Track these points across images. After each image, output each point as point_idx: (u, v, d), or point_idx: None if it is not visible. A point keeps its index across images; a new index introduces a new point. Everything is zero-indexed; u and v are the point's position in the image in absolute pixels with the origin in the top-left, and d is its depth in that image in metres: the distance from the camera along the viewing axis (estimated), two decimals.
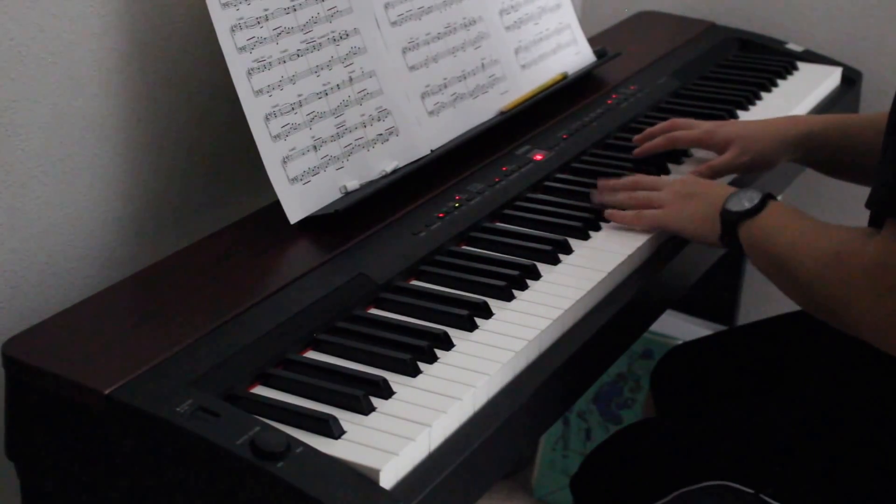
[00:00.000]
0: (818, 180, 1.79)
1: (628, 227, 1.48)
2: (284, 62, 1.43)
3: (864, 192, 2.13)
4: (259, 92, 1.40)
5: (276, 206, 1.40)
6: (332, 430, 1.09)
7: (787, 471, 1.32)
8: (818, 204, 2.27)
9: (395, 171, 1.52)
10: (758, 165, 1.62)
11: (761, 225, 1.35)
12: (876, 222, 1.25)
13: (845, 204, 2.20)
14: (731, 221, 1.37)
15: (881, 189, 1.19)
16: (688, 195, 1.45)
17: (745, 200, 1.37)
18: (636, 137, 1.70)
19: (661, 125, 1.69)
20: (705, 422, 1.47)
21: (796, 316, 1.65)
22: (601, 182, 1.55)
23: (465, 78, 1.68)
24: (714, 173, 1.60)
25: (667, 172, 1.65)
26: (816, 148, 1.61)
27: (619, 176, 1.57)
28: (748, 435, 1.38)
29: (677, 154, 1.68)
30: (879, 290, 1.17)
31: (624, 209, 1.50)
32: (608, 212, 1.49)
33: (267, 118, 1.40)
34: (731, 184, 1.64)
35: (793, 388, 1.49)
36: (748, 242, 1.36)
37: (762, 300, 2.26)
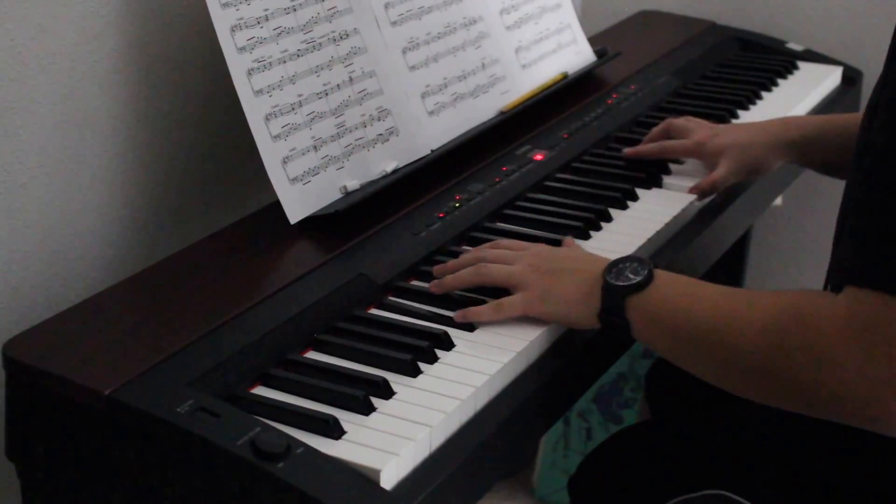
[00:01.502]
0: (818, 180, 1.79)
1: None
2: (284, 62, 1.43)
3: None
4: (259, 92, 1.40)
5: (276, 206, 1.40)
6: (332, 430, 1.08)
7: (784, 481, 1.31)
8: (819, 204, 2.27)
9: (395, 172, 1.52)
10: (752, 173, 1.62)
11: (657, 298, 1.19)
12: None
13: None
14: (615, 297, 1.20)
15: (847, 257, 1.07)
16: (551, 272, 1.26)
17: (629, 272, 1.21)
18: (628, 152, 1.66)
19: (656, 130, 1.69)
20: (703, 428, 1.46)
21: None
22: (437, 267, 1.34)
23: (465, 78, 1.68)
24: (715, 188, 1.59)
25: (667, 172, 1.64)
26: (811, 149, 1.61)
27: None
28: (747, 444, 1.37)
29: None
30: (862, 359, 1.04)
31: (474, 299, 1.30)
32: (459, 313, 1.26)
33: (267, 118, 1.40)
34: (727, 191, 1.64)
35: None
36: (641, 319, 1.19)
37: None
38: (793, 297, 1.12)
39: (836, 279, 1.09)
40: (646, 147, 1.66)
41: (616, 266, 1.23)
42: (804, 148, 1.60)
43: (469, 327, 1.27)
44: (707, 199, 1.62)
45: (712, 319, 1.15)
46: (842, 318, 1.06)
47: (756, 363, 1.12)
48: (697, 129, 1.66)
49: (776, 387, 1.12)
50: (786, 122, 1.66)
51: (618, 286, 1.20)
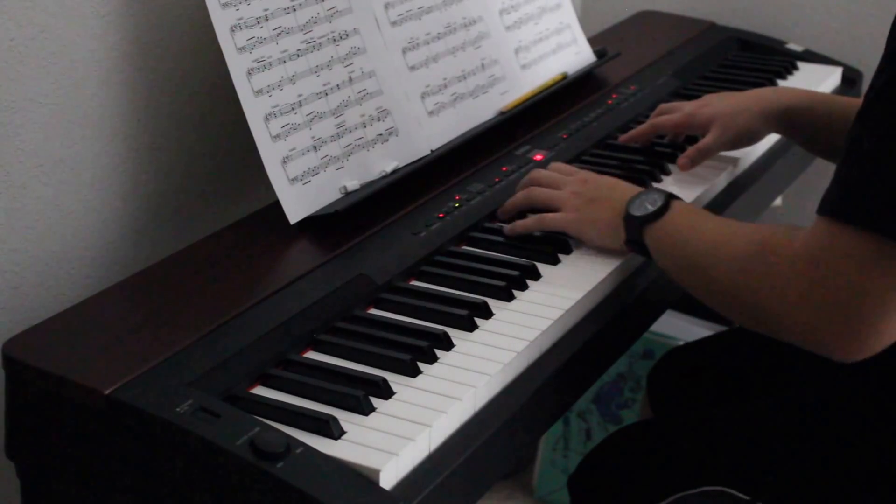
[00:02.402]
0: (818, 181, 1.79)
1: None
2: (284, 62, 1.43)
3: None
4: (259, 92, 1.40)
5: (276, 206, 1.40)
6: (332, 430, 1.09)
7: (784, 477, 1.32)
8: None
9: (395, 172, 1.52)
10: (742, 140, 1.63)
11: (667, 227, 1.31)
12: None
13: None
14: (635, 226, 1.33)
15: (838, 188, 1.12)
16: (589, 199, 1.40)
17: (648, 203, 1.33)
18: (622, 138, 1.70)
19: (649, 122, 1.70)
20: (704, 425, 1.47)
21: None
22: (502, 208, 1.50)
23: (465, 78, 1.68)
24: (703, 155, 1.61)
25: (666, 172, 1.64)
26: (799, 120, 1.61)
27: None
28: (746, 440, 1.37)
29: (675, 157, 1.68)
30: (807, 282, 1.12)
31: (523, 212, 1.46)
32: (507, 227, 1.44)
33: (267, 118, 1.40)
34: (728, 190, 1.64)
35: (791, 391, 1.49)
36: (655, 246, 1.32)
37: None
38: (763, 229, 1.21)
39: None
40: (638, 129, 1.67)
41: (638, 197, 1.35)
42: (792, 118, 1.61)
43: (469, 327, 1.27)
44: (709, 198, 1.62)
45: (701, 248, 1.26)
46: (798, 247, 1.14)
47: (727, 287, 1.22)
48: (687, 104, 1.67)
49: (744, 309, 1.22)
50: (777, 91, 1.67)
51: (635, 216, 1.33)
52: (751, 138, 1.64)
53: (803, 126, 1.61)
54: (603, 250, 1.42)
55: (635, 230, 1.33)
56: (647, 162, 1.66)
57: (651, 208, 1.32)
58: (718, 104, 1.64)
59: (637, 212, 1.33)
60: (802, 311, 1.13)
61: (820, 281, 1.11)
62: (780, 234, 1.18)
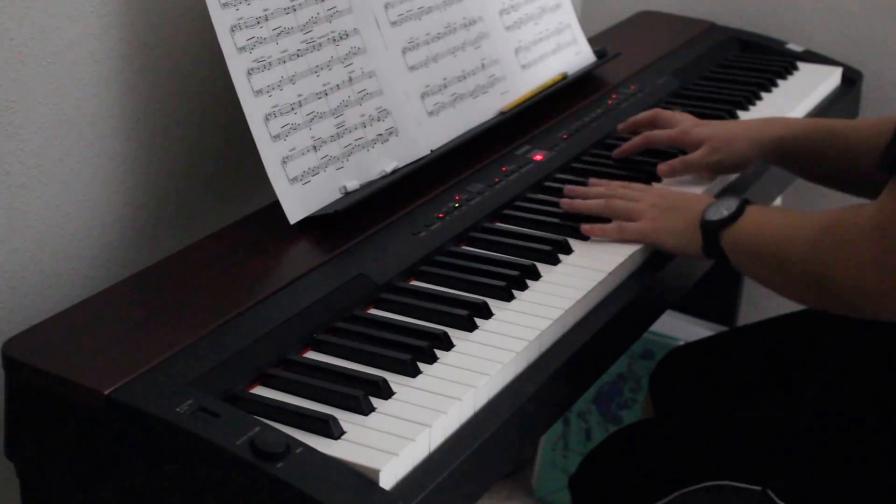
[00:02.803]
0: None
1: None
2: (284, 62, 1.43)
3: None
4: (259, 92, 1.40)
5: (276, 206, 1.40)
6: (331, 430, 1.09)
7: (788, 469, 1.32)
8: (818, 204, 2.27)
9: (394, 172, 1.52)
10: (728, 166, 1.63)
11: (743, 229, 1.35)
12: None
13: (846, 204, 2.20)
14: (712, 230, 1.37)
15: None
16: (667, 208, 1.44)
17: (724, 208, 1.37)
18: (620, 126, 1.71)
19: (644, 115, 1.70)
20: (705, 422, 1.47)
21: (797, 316, 1.65)
22: (570, 188, 1.54)
23: (465, 78, 1.68)
24: (686, 168, 1.61)
25: (656, 177, 1.64)
26: (789, 153, 1.61)
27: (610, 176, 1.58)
28: (748, 435, 1.38)
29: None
30: (879, 251, 1.16)
31: (596, 219, 1.48)
32: (586, 227, 1.47)
33: (267, 118, 1.40)
34: (725, 189, 1.64)
35: (793, 389, 1.49)
36: (733, 250, 1.36)
37: (762, 300, 2.26)
38: (833, 211, 1.26)
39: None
40: (631, 142, 1.67)
41: (714, 204, 1.39)
42: (783, 148, 1.61)
43: (469, 327, 1.27)
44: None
45: (774, 240, 1.31)
46: (866, 217, 1.18)
47: (802, 271, 1.26)
48: (683, 120, 1.67)
49: (820, 290, 1.25)
50: (769, 121, 1.67)
51: (712, 221, 1.37)
52: (738, 165, 1.64)
53: (797, 156, 1.61)
54: (602, 251, 1.43)
55: (712, 235, 1.37)
56: (647, 162, 1.66)
57: (726, 213, 1.36)
58: (714, 126, 1.65)
59: (713, 216, 1.37)
60: (875, 280, 1.17)
61: (890, 247, 1.15)
62: (849, 211, 1.23)
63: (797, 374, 1.53)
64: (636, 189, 1.51)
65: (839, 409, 1.34)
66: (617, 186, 1.52)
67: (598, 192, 1.51)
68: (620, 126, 1.72)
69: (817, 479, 1.30)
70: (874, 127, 1.54)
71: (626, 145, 1.67)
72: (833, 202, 2.24)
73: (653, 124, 1.69)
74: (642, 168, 1.65)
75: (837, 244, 1.21)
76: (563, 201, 1.51)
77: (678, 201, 1.45)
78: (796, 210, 1.36)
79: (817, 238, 1.24)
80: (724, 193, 1.44)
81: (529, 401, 1.21)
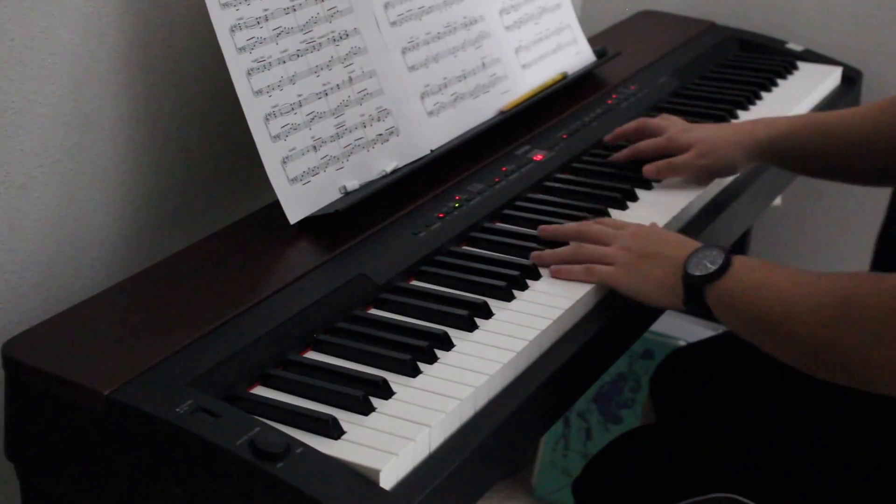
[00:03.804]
0: (818, 181, 1.79)
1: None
2: (284, 62, 1.43)
3: (864, 191, 2.13)
4: (259, 92, 1.40)
5: (276, 207, 1.40)
6: (331, 430, 1.09)
7: (793, 483, 1.31)
8: (818, 205, 2.27)
9: (395, 172, 1.52)
10: (718, 170, 1.62)
11: (732, 286, 1.25)
12: (880, 266, 1.21)
13: (847, 204, 2.20)
14: (695, 286, 1.27)
15: None
16: (642, 255, 1.34)
17: (707, 261, 1.27)
18: (607, 137, 1.69)
19: (630, 125, 1.68)
20: (710, 430, 1.46)
21: None
22: (542, 228, 1.45)
23: (465, 78, 1.68)
24: (671, 170, 1.60)
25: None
26: (781, 152, 1.60)
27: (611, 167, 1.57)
28: (755, 446, 1.37)
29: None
30: None
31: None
32: (553, 268, 1.38)
33: (267, 118, 1.40)
34: (727, 191, 1.64)
35: (795, 392, 1.49)
36: (720, 306, 1.26)
37: None
38: (843, 279, 1.19)
39: None
40: (621, 153, 1.66)
41: (696, 255, 1.29)
42: (774, 146, 1.60)
43: (469, 327, 1.27)
44: (706, 200, 1.62)
45: (775, 305, 1.21)
46: (888, 297, 1.11)
47: (810, 344, 1.19)
48: (671, 126, 1.66)
49: (830, 365, 1.18)
50: (756, 122, 1.65)
51: (696, 276, 1.27)
52: (727, 169, 1.62)
53: (793, 153, 1.60)
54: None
55: (695, 291, 1.27)
56: (646, 162, 1.66)
57: (712, 267, 1.26)
58: (701, 131, 1.63)
59: (697, 271, 1.27)
60: (893, 355, 1.11)
61: None
62: (865, 285, 1.15)
63: (797, 374, 1.52)
64: (611, 226, 1.42)
65: (839, 409, 1.33)
66: (589, 225, 1.43)
67: (571, 233, 1.43)
68: (607, 137, 1.70)
69: (819, 491, 1.30)
70: (861, 114, 1.53)
71: (616, 156, 1.66)
72: (833, 202, 2.25)
73: (639, 134, 1.67)
74: (638, 170, 1.64)
75: (852, 324, 1.14)
76: (534, 254, 1.41)
77: (656, 246, 1.34)
78: (789, 267, 1.26)
79: (828, 311, 1.16)
80: (705, 244, 1.32)
81: (529, 401, 1.21)
